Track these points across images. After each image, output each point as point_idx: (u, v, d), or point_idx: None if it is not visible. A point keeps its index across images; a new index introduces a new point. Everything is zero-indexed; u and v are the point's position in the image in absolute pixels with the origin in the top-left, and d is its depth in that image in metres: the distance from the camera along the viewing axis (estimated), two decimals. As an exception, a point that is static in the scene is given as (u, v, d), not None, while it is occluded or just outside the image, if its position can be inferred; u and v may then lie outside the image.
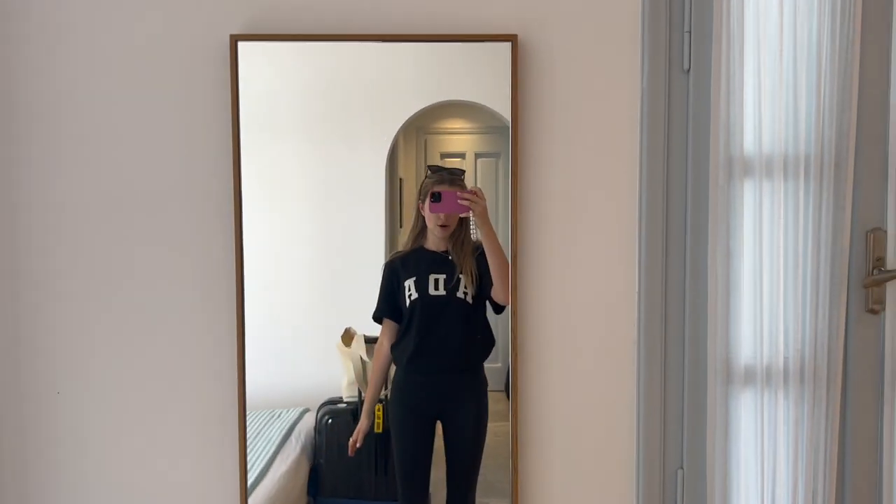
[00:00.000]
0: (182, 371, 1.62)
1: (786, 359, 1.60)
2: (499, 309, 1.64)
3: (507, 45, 1.55)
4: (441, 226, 1.62)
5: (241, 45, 1.52)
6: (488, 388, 1.67)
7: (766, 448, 1.61)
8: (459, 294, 1.62)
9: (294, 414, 1.74)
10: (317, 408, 1.71)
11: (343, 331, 1.68)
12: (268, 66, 1.56)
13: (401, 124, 1.62)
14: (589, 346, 1.64)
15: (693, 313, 1.60)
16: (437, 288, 1.63)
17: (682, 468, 1.64)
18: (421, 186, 1.62)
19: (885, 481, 1.63)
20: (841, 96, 1.54)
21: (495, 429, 1.74)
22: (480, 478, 1.68)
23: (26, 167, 1.57)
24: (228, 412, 1.62)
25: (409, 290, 1.63)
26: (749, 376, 1.62)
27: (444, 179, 1.61)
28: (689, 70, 1.58)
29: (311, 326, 1.68)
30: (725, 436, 1.62)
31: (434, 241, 1.64)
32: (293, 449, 1.70)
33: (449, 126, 1.65)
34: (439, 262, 1.64)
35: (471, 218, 1.60)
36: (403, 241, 1.64)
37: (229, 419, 1.62)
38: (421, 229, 1.64)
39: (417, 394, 1.68)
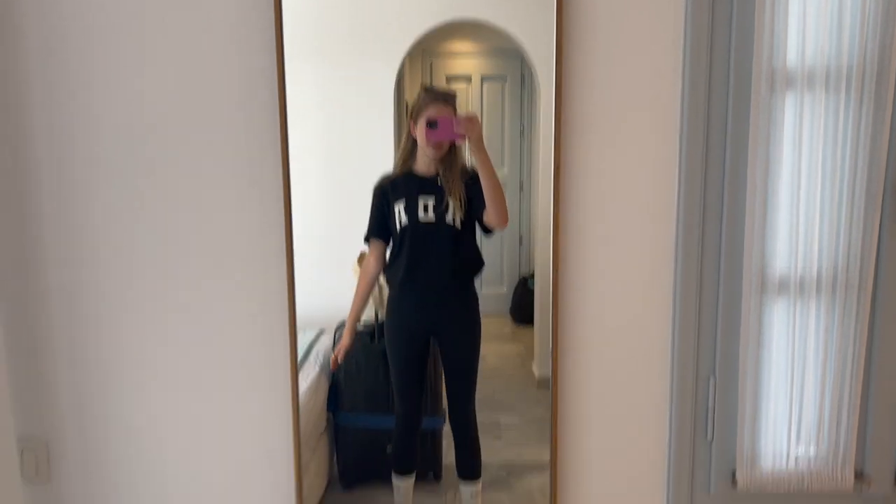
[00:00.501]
0: (234, 291, 1.66)
1: (819, 269, 1.64)
2: (488, 232, 1.67)
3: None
4: (432, 147, 1.63)
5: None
6: (494, 313, 1.72)
7: (797, 355, 1.67)
8: (448, 219, 1.65)
9: (311, 334, 1.79)
10: (333, 329, 1.76)
11: (359, 254, 1.73)
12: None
13: (408, 46, 1.61)
14: (627, 255, 1.68)
15: (731, 225, 1.64)
16: (426, 212, 1.65)
17: (713, 375, 1.71)
18: (412, 107, 1.62)
19: (910, 386, 1.69)
20: (886, 7, 1.54)
21: (502, 350, 1.80)
22: (489, 396, 1.75)
23: (67, 116, 1.58)
24: (278, 332, 1.66)
25: (400, 213, 1.65)
26: (783, 286, 1.66)
27: (438, 99, 1.61)
28: (734, -19, 1.58)
29: (326, 249, 1.72)
30: (758, 344, 1.68)
31: (424, 163, 1.65)
32: (312, 368, 1.77)
33: (455, 49, 1.64)
34: (428, 185, 1.65)
35: (466, 144, 1.61)
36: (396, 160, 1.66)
37: (279, 339, 1.66)
38: (411, 151, 1.65)
39: (411, 311, 1.74)
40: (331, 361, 1.76)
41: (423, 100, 1.62)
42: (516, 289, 1.88)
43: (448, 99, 1.63)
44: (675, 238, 1.66)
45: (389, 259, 1.70)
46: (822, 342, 1.67)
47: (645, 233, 1.67)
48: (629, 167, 1.64)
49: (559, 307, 1.67)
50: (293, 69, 1.54)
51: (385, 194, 1.67)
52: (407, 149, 1.65)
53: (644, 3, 1.59)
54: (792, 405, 1.69)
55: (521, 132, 1.68)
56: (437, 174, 1.65)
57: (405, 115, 1.66)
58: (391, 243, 1.70)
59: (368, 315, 1.78)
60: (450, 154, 1.64)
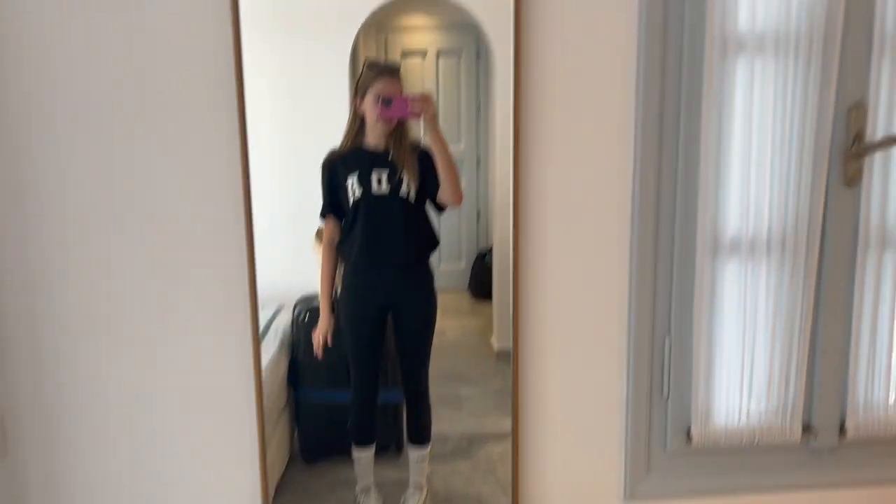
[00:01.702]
0: (190, 266, 1.64)
1: (769, 230, 1.69)
2: (441, 210, 1.68)
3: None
4: (383, 122, 1.62)
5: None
6: (453, 288, 1.73)
7: (748, 314, 1.73)
8: (402, 192, 1.64)
9: (269, 311, 1.77)
10: (292, 305, 1.75)
11: (316, 230, 1.71)
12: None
13: (363, 20, 1.59)
14: (585, 225, 1.70)
15: (685, 188, 1.68)
16: (380, 184, 1.64)
17: (669, 335, 1.75)
18: (358, 83, 1.61)
19: (853, 341, 1.77)
20: (833, -27, 1.58)
21: (462, 324, 1.82)
22: (449, 369, 1.77)
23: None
24: (238, 309, 1.63)
25: (353, 186, 1.64)
26: (734, 248, 1.71)
27: (384, 73, 1.59)
28: (687, -53, 1.59)
29: (283, 225, 1.70)
30: (711, 304, 1.73)
31: (374, 138, 1.64)
32: (272, 344, 1.75)
33: (410, 23, 1.63)
34: (380, 159, 1.64)
35: (421, 123, 1.60)
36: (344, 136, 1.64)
37: (240, 315, 1.64)
38: (360, 127, 1.63)
39: (367, 288, 1.73)
40: (317, 347, 1.73)
41: (369, 74, 1.60)
42: (474, 264, 1.89)
43: (394, 72, 1.62)
44: (632, 204, 1.69)
45: (342, 234, 1.69)
46: (772, 301, 1.73)
47: (602, 200, 1.69)
48: (587, 136, 1.66)
49: (519, 280, 1.69)
50: (247, 42, 1.51)
51: (335, 169, 1.65)
52: (355, 124, 1.63)
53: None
54: (744, 362, 1.76)
55: (478, 107, 1.68)
56: (388, 148, 1.64)
57: (354, 89, 1.64)
58: (343, 218, 1.68)
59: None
60: (399, 127, 1.63)
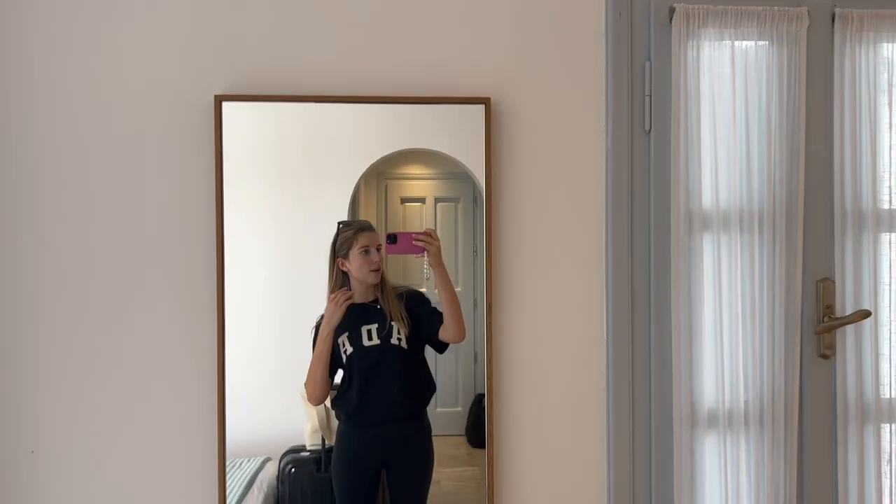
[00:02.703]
0: (161, 421, 1.63)
1: (746, 402, 1.68)
2: (443, 348, 1.67)
3: (480, 106, 1.63)
4: (374, 271, 1.63)
5: (224, 104, 1.57)
6: (449, 434, 1.70)
7: (730, 489, 1.68)
8: (394, 340, 1.64)
9: (255, 463, 1.72)
10: (279, 457, 1.72)
11: (305, 380, 1.70)
12: (248, 123, 1.61)
13: (363, 171, 1.65)
14: (559, 393, 1.70)
15: (658, 361, 1.68)
16: (370, 338, 1.64)
17: (650, 510, 1.70)
18: (336, 244, 1.64)
19: (841, 518, 1.71)
20: (790, 156, 1.65)
21: (457, 474, 1.76)
22: None
23: (19, 225, 1.58)
24: (207, 461, 1.63)
25: (344, 345, 1.64)
26: (712, 420, 1.69)
27: (364, 228, 1.63)
28: (650, 131, 1.68)
29: (272, 375, 1.68)
30: (691, 478, 1.69)
31: (360, 293, 1.65)
32: (255, 499, 1.69)
33: (409, 172, 1.70)
34: (369, 313, 1.65)
35: (425, 259, 1.63)
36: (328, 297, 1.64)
37: (207, 468, 1.63)
38: (343, 286, 1.64)
39: (361, 446, 1.68)
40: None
41: (347, 232, 1.64)
42: (471, 408, 1.85)
43: (372, 227, 1.65)
44: (606, 374, 1.69)
45: (339, 392, 1.67)
46: (753, 476, 1.68)
47: (579, 369, 1.70)
48: (557, 305, 1.69)
49: (494, 448, 1.66)
50: (248, 193, 1.60)
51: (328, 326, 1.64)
52: (338, 284, 1.65)
53: (567, 151, 1.68)
54: (729, 540, 1.69)
55: (475, 250, 1.71)
56: (376, 300, 1.66)
57: (332, 251, 1.67)
58: (341, 377, 1.67)
59: (314, 442, 1.73)
60: (381, 279, 1.65)
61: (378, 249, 1.63)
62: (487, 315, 1.66)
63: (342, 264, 1.63)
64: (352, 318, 1.64)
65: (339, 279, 1.64)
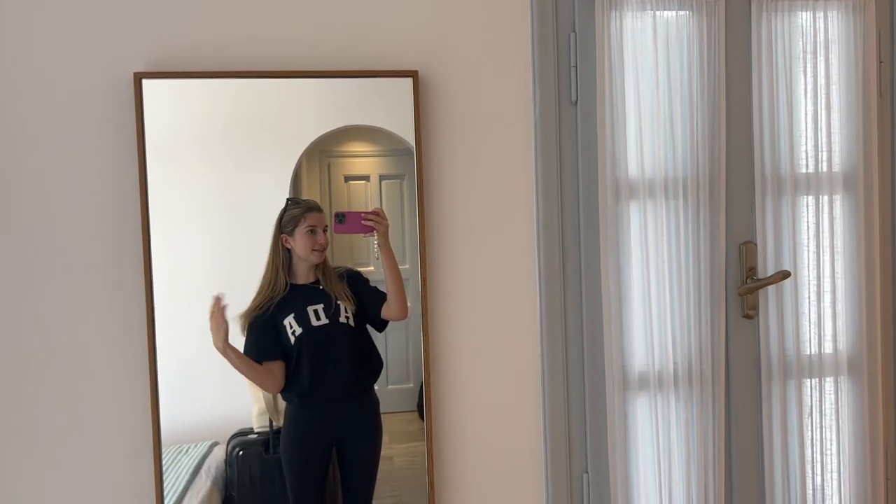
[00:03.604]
0: (93, 407, 1.60)
1: (675, 364, 1.73)
2: (382, 326, 1.68)
3: (408, 80, 1.63)
4: (317, 251, 1.63)
5: (145, 82, 1.54)
6: (401, 410, 1.72)
7: (662, 448, 1.74)
8: (342, 319, 1.65)
9: (203, 448, 1.70)
10: (226, 440, 1.71)
11: None
12: (171, 101, 1.58)
13: (303, 148, 1.64)
14: (496, 360, 1.73)
15: (590, 326, 1.72)
16: (318, 318, 1.64)
17: (587, 472, 1.75)
18: (281, 219, 1.62)
19: (767, 471, 1.79)
20: (712, 124, 1.70)
21: (409, 449, 1.78)
22: (396, 499, 1.72)
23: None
24: (142, 448, 1.61)
25: (291, 326, 1.63)
26: (643, 382, 1.74)
27: (313, 208, 1.62)
28: (576, 102, 1.70)
29: (217, 357, 1.63)
30: (625, 439, 1.74)
31: (303, 272, 1.64)
32: (203, 484, 1.67)
33: (352, 149, 1.70)
34: (312, 293, 1.65)
35: (374, 238, 1.64)
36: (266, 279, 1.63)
37: (143, 456, 1.62)
38: (288, 263, 1.63)
39: (312, 425, 1.68)
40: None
41: (295, 210, 1.62)
42: (422, 383, 1.87)
43: (320, 208, 1.65)
44: (540, 340, 1.72)
45: (287, 376, 1.65)
46: (683, 435, 1.74)
47: (510, 339, 1.73)
48: (490, 276, 1.71)
49: (433, 419, 1.69)
50: (181, 172, 1.58)
51: (268, 315, 1.63)
52: (285, 261, 1.63)
53: (496, 123, 1.70)
54: (661, 497, 1.75)
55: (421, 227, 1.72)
56: (317, 280, 1.66)
57: (277, 227, 1.65)
58: (287, 362, 1.65)
59: (261, 424, 1.72)
60: (322, 259, 1.65)
61: (324, 231, 1.62)
62: (423, 289, 1.67)
63: (286, 241, 1.62)
64: (296, 299, 1.63)
65: (282, 255, 1.63)
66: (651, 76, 1.69)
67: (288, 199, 1.63)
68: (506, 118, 1.70)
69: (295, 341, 1.63)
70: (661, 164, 1.70)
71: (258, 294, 1.62)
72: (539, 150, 1.69)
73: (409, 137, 1.65)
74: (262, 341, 1.62)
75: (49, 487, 1.60)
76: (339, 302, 1.64)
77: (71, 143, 1.56)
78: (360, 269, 1.69)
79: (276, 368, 1.64)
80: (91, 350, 1.60)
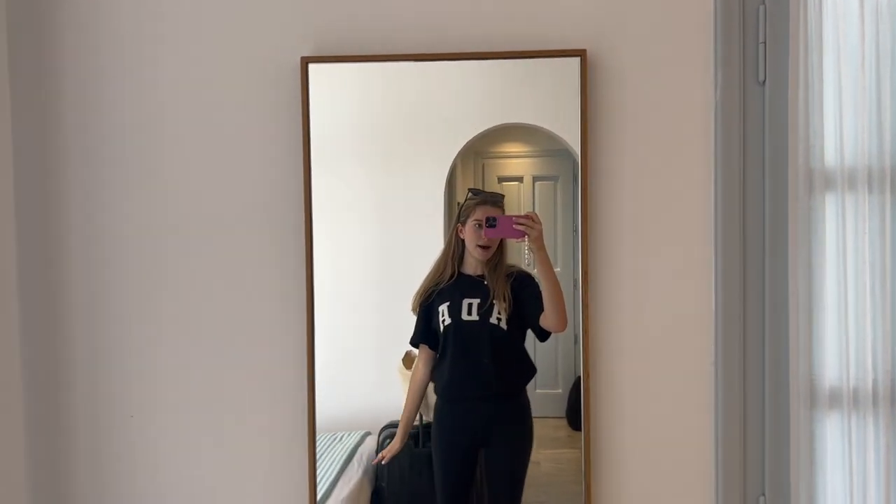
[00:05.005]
0: (252, 393, 1.63)
1: (874, 380, 1.52)
2: (544, 336, 1.60)
3: (576, 60, 1.52)
4: (481, 247, 1.60)
5: (311, 66, 1.53)
6: (549, 415, 1.64)
7: (856, 475, 1.53)
8: (493, 319, 1.60)
9: (355, 437, 1.73)
10: (378, 431, 1.70)
11: (403, 354, 1.68)
12: (333, 89, 1.57)
13: (459, 149, 1.61)
14: (664, 369, 1.59)
15: (773, 333, 1.54)
16: (469, 313, 1.61)
17: (763, 495, 1.57)
18: (460, 209, 1.61)
19: None
20: (928, 105, 1.48)
21: (556, 455, 1.70)
22: None
23: (106, 189, 1.61)
24: (297, 435, 1.62)
25: (443, 314, 1.62)
26: (835, 399, 1.54)
27: (487, 201, 1.59)
28: (764, 81, 1.53)
29: (371, 349, 1.69)
30: (810, 462, 1.55)
31: (472, 264, 1.62)
32: (355, 472, 1.70)
33: (506, 149, 1.64)
34: (474, 286, 1.62)
35: (525, 243, 1.57)
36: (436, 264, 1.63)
37: (298, 442, 1.62)
38: (460, 254, 1.62)
39: (454, 421, 1.66)
40: (375, 460, 1.68)
41: (472, 201, 1.61)
42: (572, 390, 1.78)
43: (497, 201, 1.61)
44: (714, 348, 1.57)
45: (434, 363, 1.65)
46: (883, 461, 1.53)
47: (684, 343, 1.59)
48: (659, 278, 1.58)
49: (590, 430, 1.58)
50: (344, 171, 1.60)
51: (430, 298, 1.63)
52: (456, 251, 1.62)
53: (672, 106, 1.56)
54: (853, 531, 1.54)
55: (575, 230, 1.64)
56: (484, 274, 1.62)
57: (456, 214, 1.64)
58: (434, 350, 1.65)
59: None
60: (497, 256, 1.61)
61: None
62: (583, 294, 1.56)
63: (460, 231, 1.61)
64: (458, 289, 1.62)
65: (454, 245, 1.62)
66: (855, 52, 1.49)
67: (469, 189, 1.61)
68: (682, 102, 1.56)
69: (443, 330, 1.62)
70: (864, 152, 1.50)
71: (426, 278, 1.62)
72: (719, 138, 1.53)
73: (567, 135, 1.56)
74: (418, 324, 1.63)
75: (209, 463, 1.65)
76: (494, 301, 1.59)
77: (238, 129, 1.60)
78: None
79: (427, 353, 1.64)
80: (254, 336, 1.63)
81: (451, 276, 1.62)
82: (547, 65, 1.55)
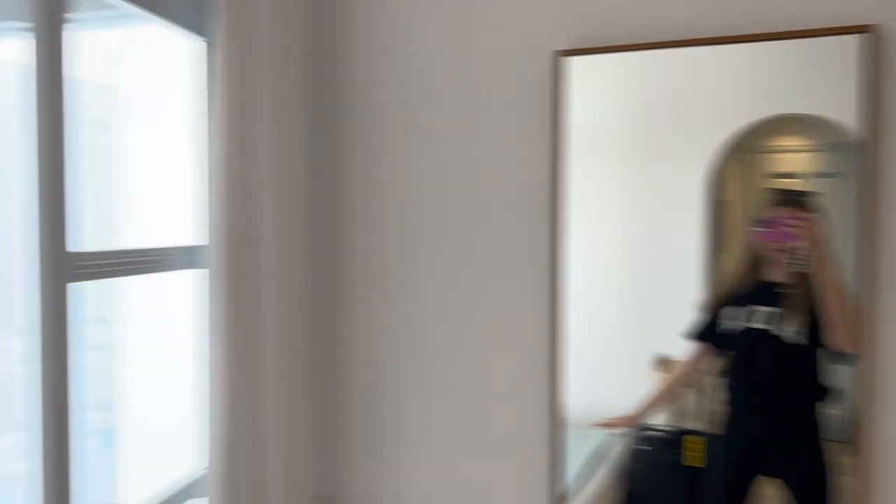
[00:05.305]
0: (509, 382, 1.68)
1: None
2: (832, 357, 1.41)
3: (865, 37, 1.33)
4: (774, 249, 1.43)
5: (562, 60, 1.53)
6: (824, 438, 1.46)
7: None
8: (787, 332, 1.43)
9: (602, 435, 1.68)
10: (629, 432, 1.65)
11: (658, 357, 1.59)
12: (587, 82, 1.55)
13: (723, 141, 1.48)
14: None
15: None
16: (759, 321, 1.46)
17: None
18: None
19: None
20: None
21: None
22: None
23: (380, 187, 1.74)
24: (541, 427, 1.65)
25: (733, 319, 1.49)
26: None
27: (786, 202, 1.41)
28: None
29: (622, 349, 1.63)
30: None
31: (773, 271, 1.45)
32: (604, 472, 1.67)
33: (780, 143, 1.47)
34: (766, 294, 1.46)
35: (802, 249, 1.39)
36: (731, 268, 1.50)
37: (541, 434, 1.65)
38: (753, 259, 1.47)
39: (741, 432, 1.53)
40: (612, 422, 1.64)
41: (766, 201, 1.46)
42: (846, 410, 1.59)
43: (797, 202, 1.43)
44: None
45: (728, 370, 1.55)
46: None
47: None
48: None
49: (868, 452, 1.39)
50: (599, 167, 1.57)
51: (724, 299, 1.53)
52: (749, 255, 1.49)
53: None
54: None
55: (862, 234, 1.44)
56: (787, 281, 1.45)
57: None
58: (719, 355, 1.56)
59: (662, 420, 1.64)
60: (804, 261, 1.43)
61: (788, 226, 1.41)
62: (867, 305, 1.37)
63: (753, 234, 1.47)
64: (752, 294, 1.49)
65: (749, 252, 1.48)
66: None
67: (768, 187, 1.47)
68: None
69: (730, 337, 1.50)
70: None
71: (727, 279, 1.51)
72: None
73: (853, 126, 1.36)
74: (704, 320, 1.52)
75: (463, 443, 1.73)
76: (788, 311, 1.44)
77: (496, 120, 1.64)
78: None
79: (700, 350, 1.54)
80: (508, 331, 1.67)
81: (748, 284, 1.49)
82: (829, 45, 1.37)
